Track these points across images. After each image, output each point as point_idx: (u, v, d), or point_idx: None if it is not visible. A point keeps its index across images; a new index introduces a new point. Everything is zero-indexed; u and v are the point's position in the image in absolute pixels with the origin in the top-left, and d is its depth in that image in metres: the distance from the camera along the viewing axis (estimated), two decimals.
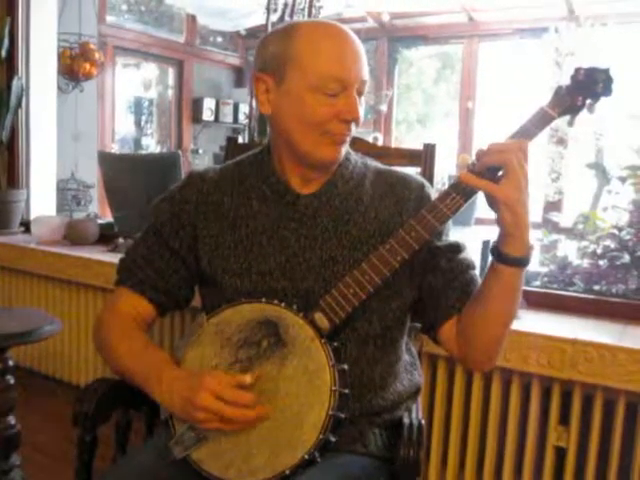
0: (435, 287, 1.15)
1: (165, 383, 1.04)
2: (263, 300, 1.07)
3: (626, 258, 2.16)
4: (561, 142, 4.45)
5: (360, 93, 1.09)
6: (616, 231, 2.25)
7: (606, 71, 1.01)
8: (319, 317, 1.05)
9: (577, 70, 1.02)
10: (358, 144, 1.40)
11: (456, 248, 1.16)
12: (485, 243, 3.72)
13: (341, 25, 1.10)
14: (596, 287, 2.14)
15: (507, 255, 1.00)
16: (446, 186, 1.05)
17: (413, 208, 1.14)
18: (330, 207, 1.14)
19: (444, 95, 6.87)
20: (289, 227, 1.14)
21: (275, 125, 1.13)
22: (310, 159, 1.11)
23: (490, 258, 1.05)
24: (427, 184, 1.21)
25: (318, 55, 1.05)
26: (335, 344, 1.04)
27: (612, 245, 2.25)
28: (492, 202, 0.99)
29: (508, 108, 5.31)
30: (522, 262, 1.01)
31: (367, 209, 1.15)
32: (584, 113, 1.04)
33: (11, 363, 1.83)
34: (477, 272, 1.18)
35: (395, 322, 1.17)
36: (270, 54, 1.09)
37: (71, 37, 4.16)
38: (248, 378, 1.00)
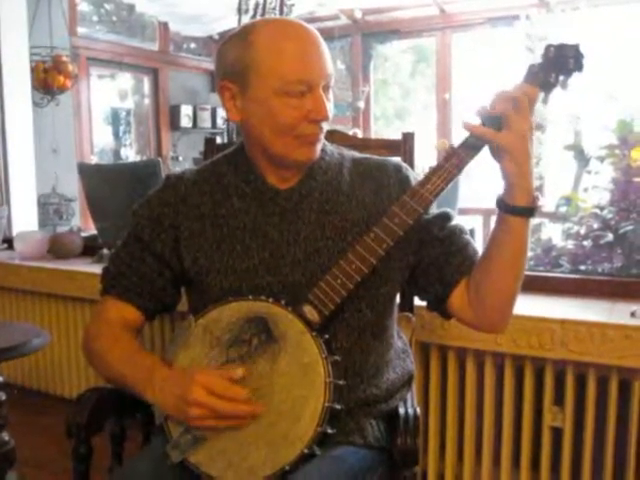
0: (435, 257, 1.15)
1: (157, 384, 1.03)
2: (250, 297, 1.07)
3: (610, 237, 2.18)
4: (539, 127, 4.47)
5: (327, 88, 1.08)
6: (598, 211, 2.27)
7: (576, 47, 1.02)
8: (308, 310, 1.04)
9: (548, 48, 1.03)
10: (338, 137, 1.40)
11: (446, 216, 1.17)
12: (470, 232, 3.74)
13: (298, 21, 1.10)
14: (582, 267, 2.15)
15: (514, 206, 1.01)
16: None
17: (394, 192, 1.15)
18: (310, 199, 1.14)
19: (421, 88, 6.90)
20: (271, 222, 1.13)
21: (247, 131, 1.13)
22: (286, 161, 1.11)
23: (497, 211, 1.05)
24: (404, 165, 1.21)
25: (278, 58, 1.04)
26: (326, 336, 1.04)
27: (595, 225, 2.27)
28: (495, 151, 0.99)
29: (485, 96, 5.33)
30: (529, 211, 1.02)
31: (348, 198, 1.15)
32: (558, 90, 1.05)
33: (1, 379, 1.82)
34: (469, 236, 1.19)
35: (384, 308, 1.17)
36: (230, 61, 1.08)
37: (43, 50, 4.11)
38: (239, 371, 1.00)
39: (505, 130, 0.97)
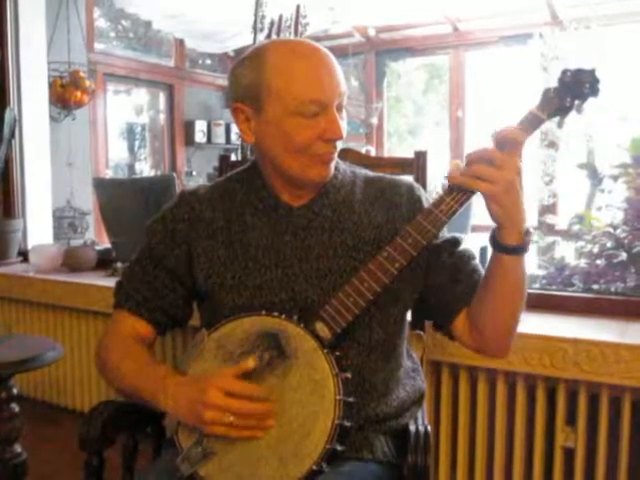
0: (441, 283, 1.16)
1: (170, 389, 1.04)
2: (263, 312, 1.08)
3: (623, 256, 2.17)
4: (552, 145, 4.47)
5: (340, 107, 1.09)
6: (611, 229, 2.26)
7: (592, 72, 1.03)
8: (320, 327, 1.05)
9: (564, 72, 1.04)
10: (351, 155, 1.42)
11: (455, 242, 1.18)
12: (483, 250, 3.73)
13: (309, 41, 1.11)
14: (595, 286, 2.14)
15: (504, 244, 1.02)
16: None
17: (406, 212, 1.16)
18: (323, 217, 1.15)
19: (434, 105, 6.92)
20: (284, 240, 1.14)
21: (261, 152, 1.14)
22: (301, 181, 1.12)
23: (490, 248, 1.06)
24: (416, 185, 1.22)
25: (292, 80, 1.05)
26: (337, 353, 1.04)
27: (608, 244, 2.26)
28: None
29: (498, 114, 5.35)
30: (518, 250, 1.03)
31: (360, 217, 1.16)
32: (573, 114, 1.06)
33: (15, 391, 1.83)
34: (477, 261, 1.19)
35: (396, 327, 1.17)
36: (243, 84, 1.09)
37: (61, 66, 4.18)
38: (250, 362, 1.01)
39: (488, 183, 0.97)
